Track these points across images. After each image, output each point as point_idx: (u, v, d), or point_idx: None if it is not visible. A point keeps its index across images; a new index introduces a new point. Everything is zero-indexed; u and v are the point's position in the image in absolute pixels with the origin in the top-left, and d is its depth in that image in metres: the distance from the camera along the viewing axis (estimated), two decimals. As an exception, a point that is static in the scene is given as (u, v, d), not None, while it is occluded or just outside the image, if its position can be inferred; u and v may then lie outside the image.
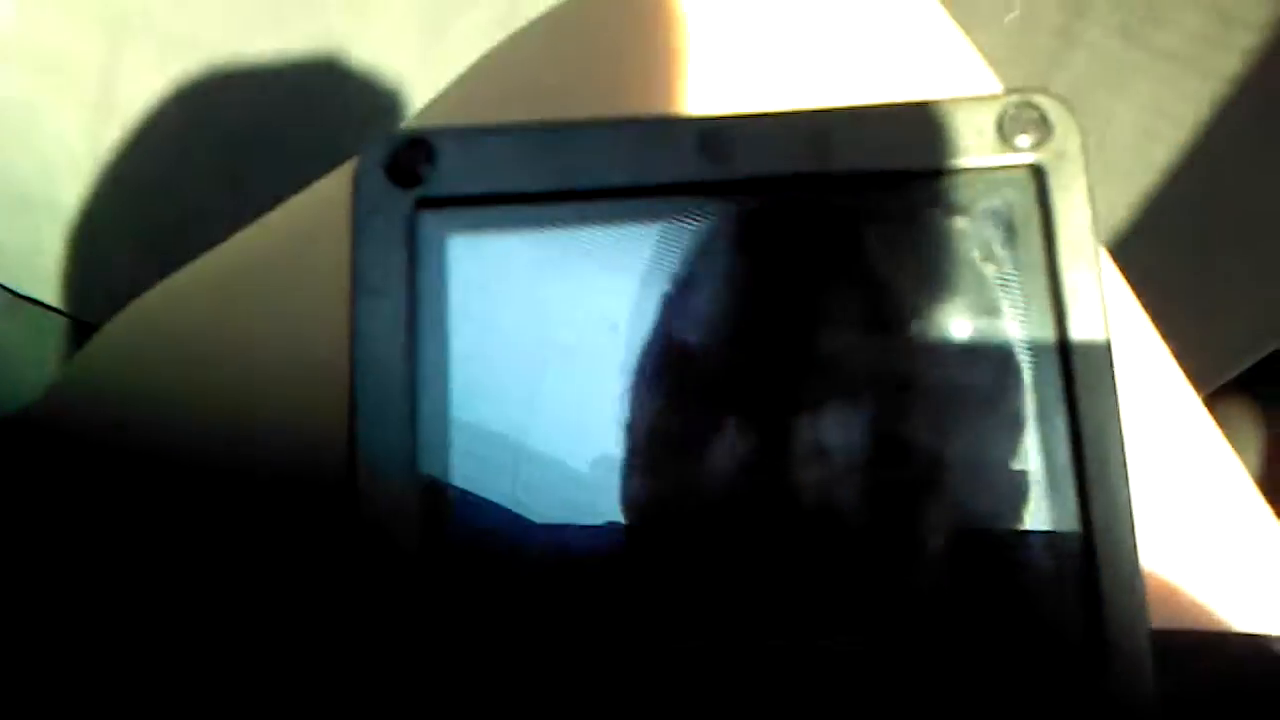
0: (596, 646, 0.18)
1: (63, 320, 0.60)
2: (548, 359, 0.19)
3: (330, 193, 0.30)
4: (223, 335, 0.29)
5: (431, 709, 0.18)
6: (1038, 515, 0.18)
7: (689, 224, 0.19)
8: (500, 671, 0.18)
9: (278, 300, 0.29)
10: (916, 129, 0.18)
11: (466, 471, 0.18)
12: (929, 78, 0.27)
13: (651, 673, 0.18)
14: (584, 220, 0.19)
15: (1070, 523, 0.18)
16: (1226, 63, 0.55)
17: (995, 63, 0.28)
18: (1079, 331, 0.18)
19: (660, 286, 0.19)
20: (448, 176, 0.19)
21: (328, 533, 0.31)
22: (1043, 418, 0.18)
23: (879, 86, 0.26)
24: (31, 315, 0.60)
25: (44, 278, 0.59)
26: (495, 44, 0.29)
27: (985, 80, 0.28)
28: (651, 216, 0.19)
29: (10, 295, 0.60)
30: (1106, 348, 0.18)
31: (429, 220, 0.19)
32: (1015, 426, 0.18)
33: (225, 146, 0.59)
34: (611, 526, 0.18)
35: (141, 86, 0.57)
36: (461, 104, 0.29)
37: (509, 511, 0.18)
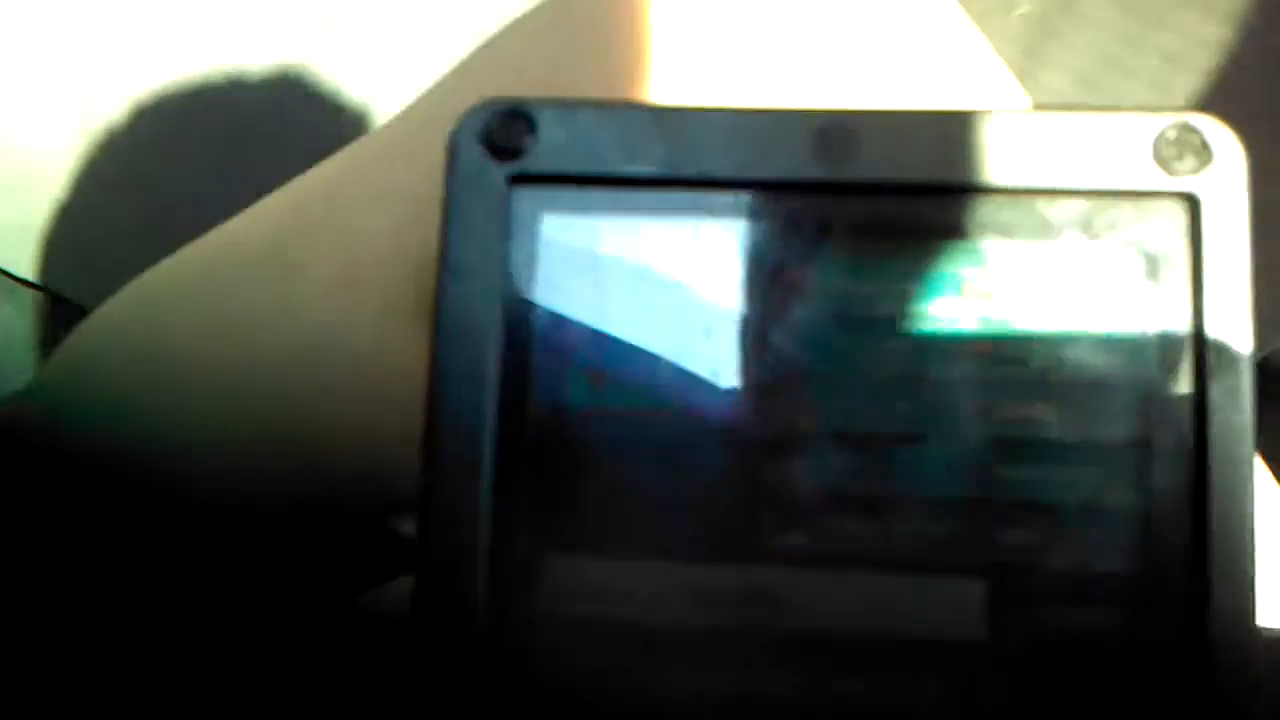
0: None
1: (58, 304, 0.59)
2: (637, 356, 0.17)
3: (323, 179, 0.29)
4: (213, 321, 0.29)
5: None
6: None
7: (800, 227, 0.17)
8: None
9: (270, 287, 0.28)
10: (1058, 142, 0.17)
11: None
12: (944, 75, 0.26)
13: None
14: (687, 211, 0.17)
15: (1181, 560, 0.16)
16: (1224, 63, 0.55)
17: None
18: (1219, 378, 0.16)
19: (762, 292, 0.17)
20: (547, 152, 0.17)
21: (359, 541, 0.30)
22: (1167, 460, 0.16)
23: (891, 83, 0.25)
24: (26, 298, 0.59)
25: (39, 260, 0.58)
26: (497, 31, 0.28)
27: (1003, 79, 0.27)
28: (760, 214, 0.17)
29: (5, 277, 0.59)
30: (1247, 402, 0.16)
31: (523, 197, 0.17)
32: (1134, 469, 0.17)
33: (223, 129, 0.58)
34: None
35: (138, 68, 0.57)
36: (467, 89, 0.28)
37: None
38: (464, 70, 0.27)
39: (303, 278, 0.27)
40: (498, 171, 0.17)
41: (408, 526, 0.28)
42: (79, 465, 0.29)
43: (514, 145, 0.17)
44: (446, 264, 0.17)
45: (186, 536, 0.28)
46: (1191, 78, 0.55)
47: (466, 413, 0.17)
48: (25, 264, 0.59)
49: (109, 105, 0.57)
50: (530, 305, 0.17)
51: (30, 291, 0.59)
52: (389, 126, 0.28)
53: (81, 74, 0.57)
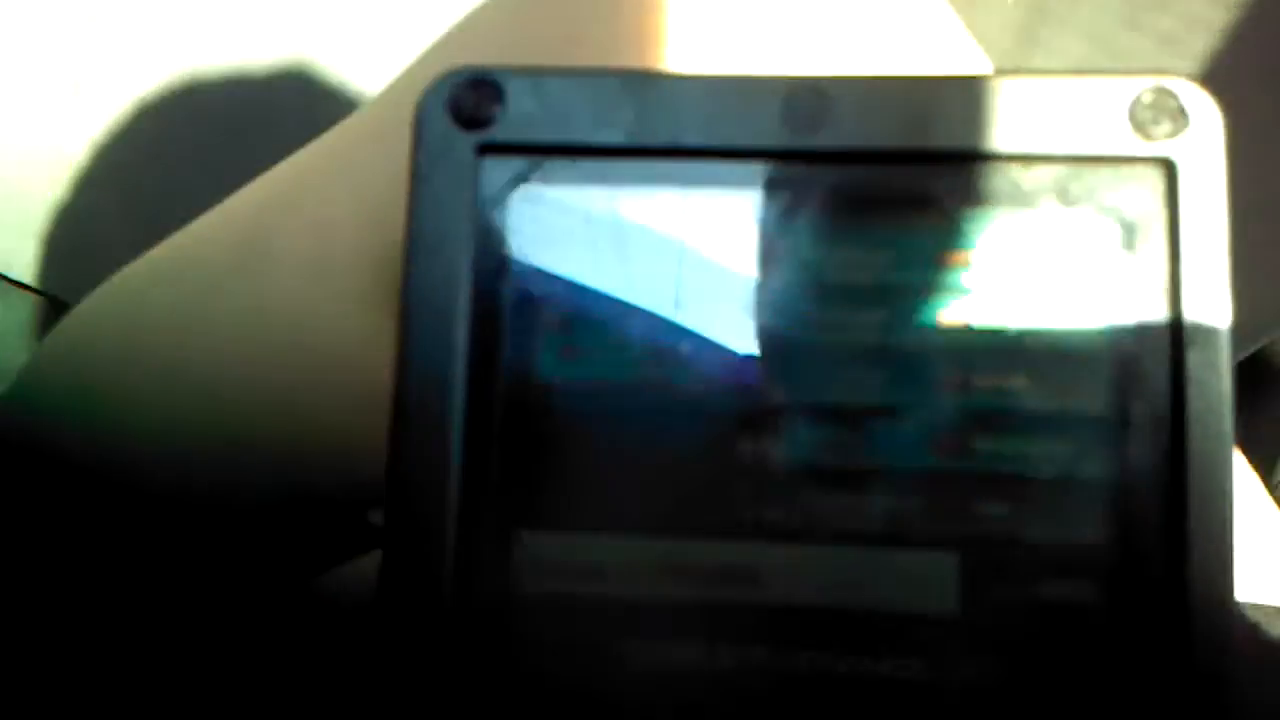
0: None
1: (52, 305, 0.59)
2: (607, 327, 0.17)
3: (294, 170, 0.29)
4: (189, 315, 0.28)
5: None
6: (1127, 522, 0.16)
7: (773, 196, 0.17)
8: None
9: (244, 279, 0.27)
10: (1032, 107, 0.16)
11: None
12: (919, 56, 0.25)
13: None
14: (657, 181, 0.17)
15: (1159, 532, 0.16)
16: (1223, 50, 0.54)
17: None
18: (1197, 348, 0.16)
19: (732, 261, 0.17)
20: (516, 121, 0.17)
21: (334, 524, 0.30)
22: (1144, 431, 0.16)
23: (870, 61, 0.25)
24: (19, 299, 0.59)
25: (29, 260, 0.58)
26: (465, 15, 0.27)
27: (979, 62, 0.27)
28: (731, 183, 0.17)
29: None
30: (1225, 372, 0.16)
31: (492, 167, 0.17)
32: (1111, 440, 0.16)
33: (215, 127, 0.58)
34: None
35: (131, 68, 0.57)
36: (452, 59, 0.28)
37: None
38: (435, 52, 0.27)
39: (276, 269, 0.27)
40: (465, 141, 0.17)
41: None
42: (57, 461, 0.28)
43: (482, 115, 0.17)
44: (414, 236, 0.17)
45: (164, 527, 0.28)
46: (1188, 62, 0.54)
47: (435, 385, 0.17)
48: (18, 265, 0.58)
49: (102, 105, 0.57)
50: (500, 277, 0.17)
51: (23, 293, 0.59)
52: (359, 115, 0.28)
53: (74, 73, 0.56)
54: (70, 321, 0.33)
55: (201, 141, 0.58)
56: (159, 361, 0.28)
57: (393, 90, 0.27)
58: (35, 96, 0.56)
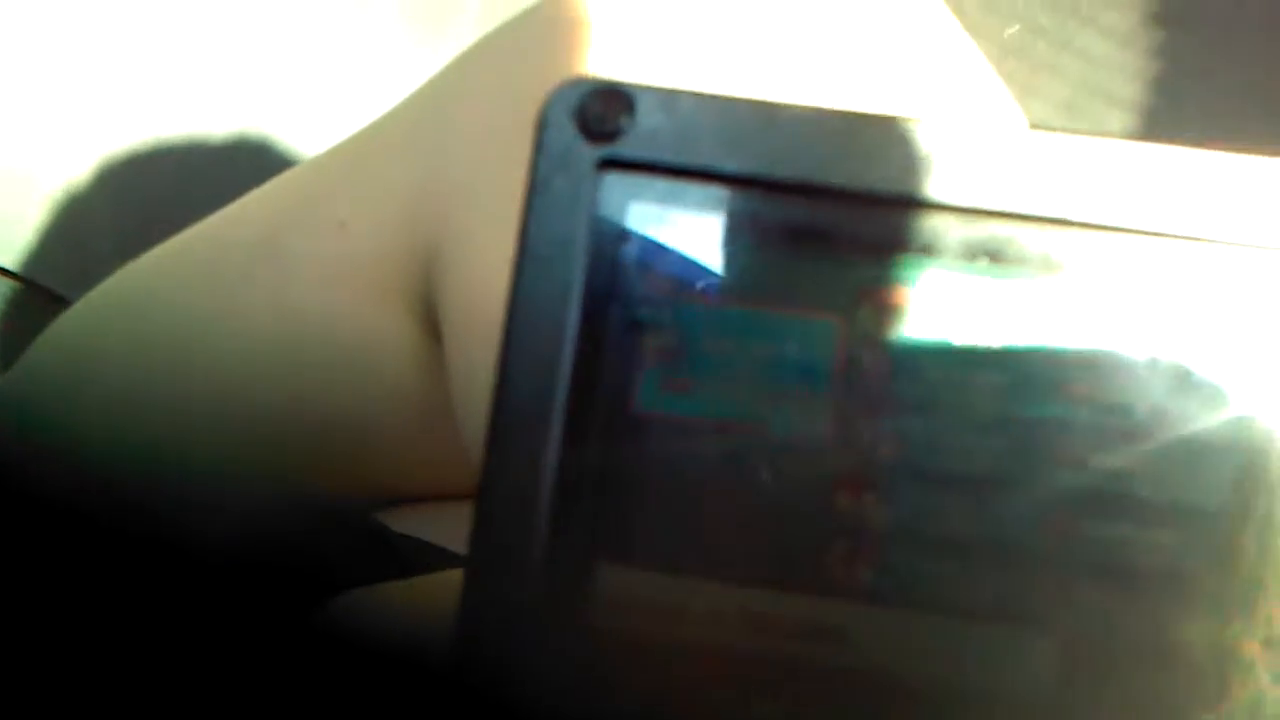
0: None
1: (43, 295, 0.58)
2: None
3: (318, 172, 0.29)
4: (203, 310, 0.28)
5: None
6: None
7: (903, 244, 0.16)
8: None
9: (262, 277, 0.28)
10: (1185, 183, 0.16)
11: None
12: (936, 82, 0.25)
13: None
14: (782, 216, 0.16)
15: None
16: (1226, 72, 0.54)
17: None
18: None
19: (855, 310, 0.16)
20: (644, 137, 0.16)
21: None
22: (1261, 528, 0.16)
23: (885, 88, 0.24)
24: (9, 290, 0.57)
25: (24, 251, 0.57)
26: (493, 29, 0.27)
27: (999, 94, 0.26)
28: (860, 227, 0.16)
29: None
30: None
31: (613, 183, 0.16)
32: (1225, 535, 0.16)
33: (213, 121, 0.56)
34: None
35: (127, 60, 0.55)
36: (464, 86, 0.28)
37: None
38: (460, 67, 0.27)
39: (294, 267, 0.27)
40: (589, 153, 0.16)
41: (394, 522, 0.28)
42: (57, 451, 0.28)
43: (609, 127, 0.16)
44: (526, 245, 0.16)
45: (172, 523, 0.27)
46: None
47: (533, 404, 0.16)
48: (8, 254, 0.57)
49: (95, 97, 0.55)
50: (610, 298, 0.16)
51: (11, 282, 0.57)
52: (385, 120, 0.28)
53: (69, 62, 0.55)
54: (76, 313, 0.32)
55: (200, 137, 0.57)
56: (170, 357, 0.28)
57: (419, 97, 0.27)
58: (27, 89, 0.55)
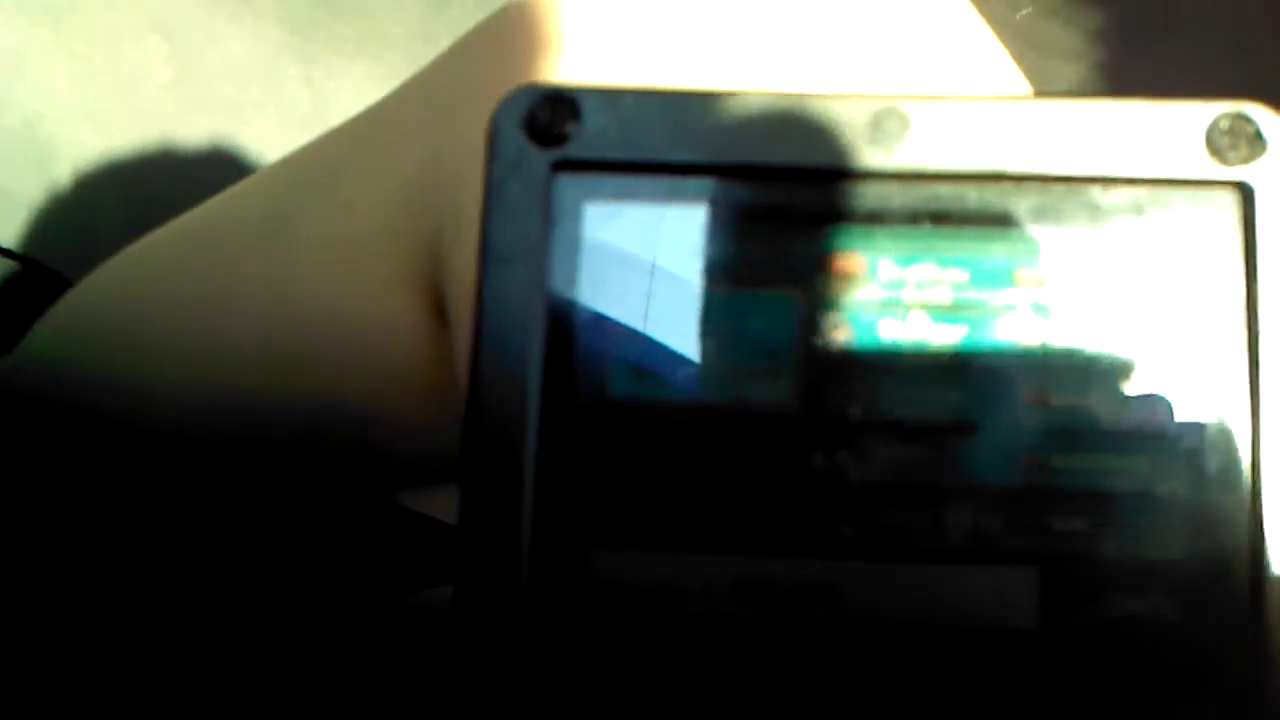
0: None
1: (48, 276, 0.58)
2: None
3: (323, 154, 0.29)
4: (209, 288, 0.29)
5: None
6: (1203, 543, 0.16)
7: (852, 215, 0.17)
8: None
9: (268, 257, 0.28)
10: (1111, 130, 0.17)
11: None
12: (952, 68, 0.26)
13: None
14: (735, 199, 0.17)
15: (1238, 553, 0.16)
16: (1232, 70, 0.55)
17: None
18: (1274, 362, 0.16)
19: (812, 280, 0.17)
20: (592, 138, 0.17)
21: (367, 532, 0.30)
22: (1221, 444, 0.16)
23: (902, 75, 0.25)
24: (12, 270, 0.58)
25: (28, 231, 0.57)
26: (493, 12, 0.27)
27: (1008, 69, 0.27)
28: (810, 202, 0.17)
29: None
30: None
31: (566, 185, 0.17)
32: (1189, 454, 0.16)
33: (218, 105, 0.57)
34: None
35: (135, 41, 0.56)
36: (467, 67, 0.28)
37: None
38: (463, 48, 0.27)
39: (300, 247, 0.27)
40: (540, 158, 0.17)
41: (413, 502, 0.28)
42: (65, 427, 0.28)
43: (557, 131, 0.17)
44: (488, 251, 0.17)
45: (175, 496, 0.28)
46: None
47: (509, 401, 0.17)
48: (11, 234, 0.57)
49: (101, 79, 0.56)
50: (573, 294, 0.17)
51: (13, 262, 0.58)
52: (388, 103, 0.28)
53: (79, 46, 0.56)
54: (81, 292, 0.32)
55: (205, 119, 0.57)
56: (179, 332, 0.28)
57: (420, 79, 0.27)
58: (37, 66, 0.55)
